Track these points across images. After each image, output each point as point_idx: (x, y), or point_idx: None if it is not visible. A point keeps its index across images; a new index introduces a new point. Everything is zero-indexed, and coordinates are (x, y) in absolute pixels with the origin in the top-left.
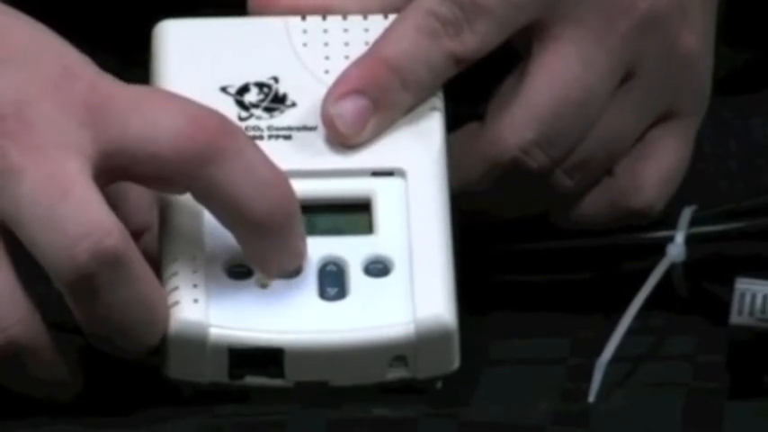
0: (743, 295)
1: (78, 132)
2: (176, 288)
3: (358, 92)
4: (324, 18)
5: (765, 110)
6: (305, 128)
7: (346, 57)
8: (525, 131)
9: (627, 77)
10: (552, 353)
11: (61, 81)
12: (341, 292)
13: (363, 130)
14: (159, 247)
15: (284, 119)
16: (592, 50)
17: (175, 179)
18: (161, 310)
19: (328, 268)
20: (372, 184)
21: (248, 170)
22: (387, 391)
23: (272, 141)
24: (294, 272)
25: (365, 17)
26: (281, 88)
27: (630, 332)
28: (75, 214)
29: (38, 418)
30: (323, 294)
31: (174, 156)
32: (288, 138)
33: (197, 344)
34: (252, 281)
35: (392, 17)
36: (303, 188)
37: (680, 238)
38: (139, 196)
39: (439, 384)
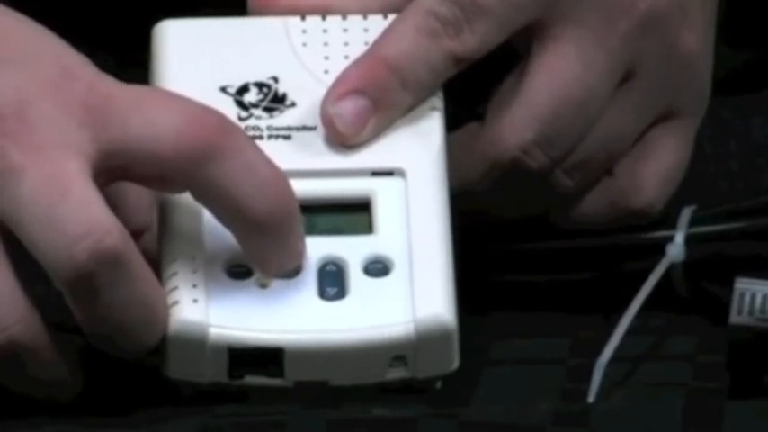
0: (743, 295)
1: (78, 132)
2: (176, 288)
3: (358, 92)
4: (323, 18)
5: (765, 110)
6: (304, 128)
7: (346, 57)
8: (525, 131)
9: (627, 77)
10: (552, 353)
11: (61, 81)
12: (341, 292)
13: (363, 130)
14: (159, 246)
15: (284, 119)
16: (592, 50)
17: (175, 178)
18: (161, 310)
19: (328, 268)
20: (372, 183)
21: (248, 169)
22: (386, 390)
23: (272, 141)
24: (294, 272)
25: (365, 17)
26: (281, 88)
27: (630, 332)
28: (74, 214)
29: (38, 418)
30: (323, 294)
31: (174, 155)
32: (287, 138)
33: (197, 344)
34: (252, 281)
35: (392, 17)
36: (303, 188)
37: (680, 237)
38: (139, 196)
39: (439, 384)
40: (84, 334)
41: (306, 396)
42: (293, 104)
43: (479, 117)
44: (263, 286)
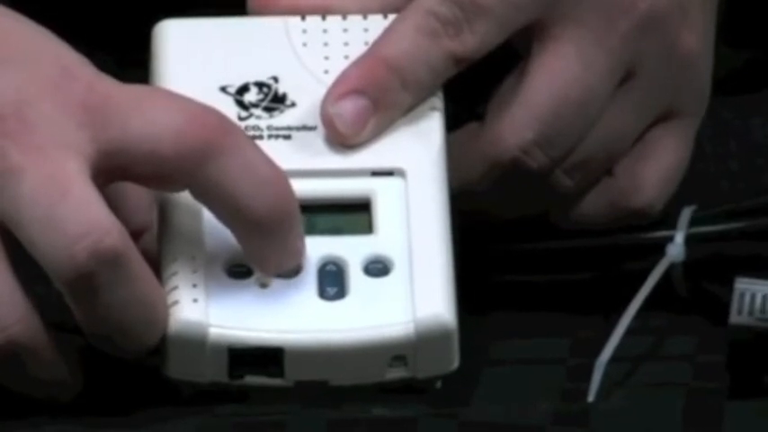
0: (742, 295)
1: (77, 132)
2: (176, 288)
3: (358, 92)
4: (323, 18)
5: (765, 110)
6: (305, 128)
7: (346, 57)
8: (525, 131)
9: (627, 77)
10: (552, 353)
11: (60, 81)
12: (340, 292)
13: (363, 129)
14: (159, 246)
15: (284, 119)
16: (592, 50)
17: (174, 177)
18: (160, 310)
19: (328, 268)
20: (372, 183)
21: (247, 168)
22: (386, 390)
23: (272, 141)
24: (294, 271)
25: (365, 17)
26: (281, 88)
27: (630, 332)
28: (74, 214)
29: (38, 418)
30: (323, 294)
31: (174, 154)
32: (287, 137)
33: (197, 344)
34: (251, 280)
35: (392, 17)
36: (303, 188)
37: (680, 237)
38: (139, 196)
39: (438, 384)
40: (84, 334)
41: (306, 396)
42: (293, 104)
43: (479, 117)
44: (263, 286)
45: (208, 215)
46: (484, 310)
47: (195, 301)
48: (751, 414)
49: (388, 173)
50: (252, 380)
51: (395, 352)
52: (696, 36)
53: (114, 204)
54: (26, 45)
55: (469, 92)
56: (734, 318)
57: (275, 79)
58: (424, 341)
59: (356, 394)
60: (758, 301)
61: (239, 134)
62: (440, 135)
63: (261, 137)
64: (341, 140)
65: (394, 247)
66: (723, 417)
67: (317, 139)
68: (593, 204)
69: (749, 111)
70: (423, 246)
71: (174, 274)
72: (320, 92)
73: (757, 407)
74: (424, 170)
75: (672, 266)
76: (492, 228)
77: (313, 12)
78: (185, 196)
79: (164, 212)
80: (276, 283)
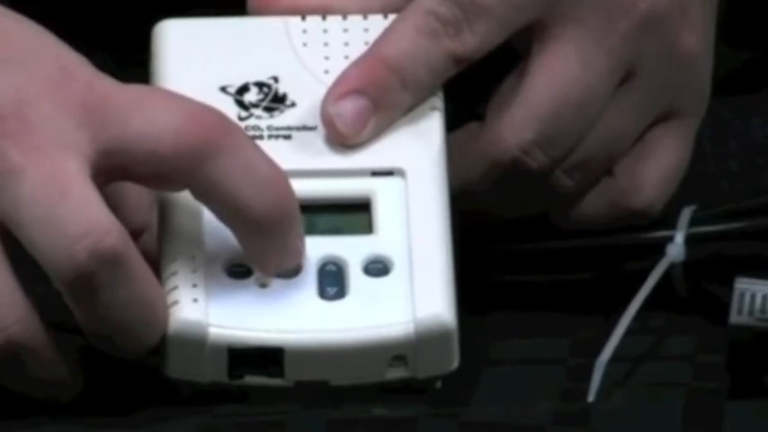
0: (742, 295)
1: (77, 132)
2: (176, 287)
3: (358, 92)
4: (324, 18)
5: (765, 110)
6: (305, 128)
7: (346, 57)
8: (525, 131)
9: (627, 77)
10: (552, 353)
11: (60, 81)
12: (340, 292)
13: (363, 129)
14: (158, 246)
15: (284, 119)
16: (592, 50)
17: (174, 177)
18: (160, 310)
19: (328, 268)
20: (372, 183)
21: (247, 168)
22: (386, 390)
23: (272, 141)
24: (294, 271)
25: (365, 17)
26: (281, 88)
27: (630, 332)
28: (74, 214)
29: (38, 418)
30: (322, 294)
31: (173, 153)
32: (287, 137)
33: (196, 343)
34: (251, 280)
35: (392, 17)
36: (303, 188)
37: (679, 237)
38: (138, 196)
39: (438, 384)
40: (84, 334)
41: (306, 396)
42: (293, 104)
43: (479, 117)
44: (263, 286)
45: (208, 215)
46: (484, 310)
47: (195, 300)
48: (751, 414)
49: (388, 173)
50: (252, 380)
51: (395, 352)
52: (696, 36)
53: (114, 204)
54: (26, 45)
55: (469, 92)
56: (734, 318)
57: (275, 79)
58: (424, 341)
59: (356, 394)
60: (758, 301)
61: (239, 134)
62: (440, 135)
63: (261, 137)
64: (341, 140)
65: (394, 247)
66: (723, 417)
67: (317, 139)
68: (593, 204)
69: (749, 111)
70: (423, 246)
71: (174, 273)
72: (320, 92)
73: (757, 407)
74: (424, 170)
75: (672, 266)
76: (492, 228)
77: (313, 12)
78: (185, 196)
79: (164, 212)
80: (276, 283)
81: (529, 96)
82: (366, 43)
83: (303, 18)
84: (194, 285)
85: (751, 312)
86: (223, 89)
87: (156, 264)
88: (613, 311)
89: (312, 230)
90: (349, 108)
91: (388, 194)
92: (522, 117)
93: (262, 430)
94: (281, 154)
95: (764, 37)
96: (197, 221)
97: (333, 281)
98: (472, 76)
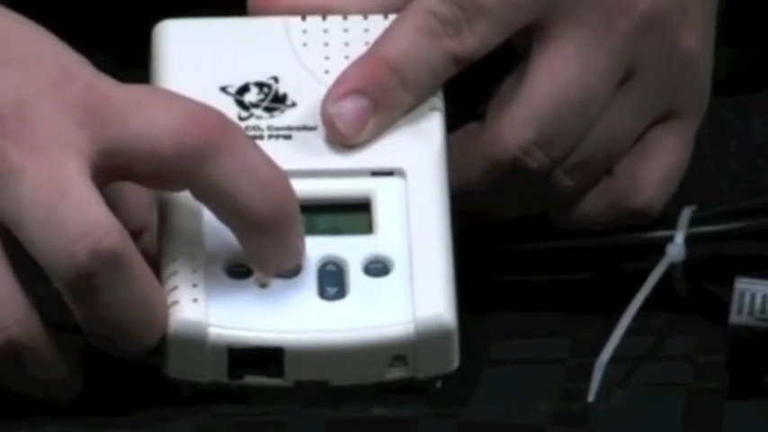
0: (742, 295)
1: (77, 132)
2: (176, 287)
3: (358, 92)
4: (324, 18)
5: (765, 110)
6: (305, 128)
7: (346, 57)
8: (525, 131)
9: (627, 77)
10: (552, 353)
11: (60, 81)
12: (340, 292)
13: (363, 129)
14: (159, 246)
15: (284, 119)
16: (592, 50)
17: (174, 177)
18: (160, 310)
19: (328, 268)
20: (372, 183)
21: (247, 167)
22: (386, 390)
23: (272, 141)
24: (294, 271)
25: (365, 17)
26: (281, 88)
27: (630, 332)
28: (74, 214)
29: (38, 418)
30: (322, 294)
31: (173, 153)
32: (288, 137)
33: (196, 343)
34: (251, 280)
35: (392, 17)
36: (303, 188)
37: (679, 237)
38: (138, 196)
39: (438, 384)
40: (84, 334)
41: (306, 396)
42: (294, 104)
43: (479, 117)
44: (263, 286)
45: (208, 215)
46: (484, 310)
47: (195, 300)
48: (751, 414)
49: (388, 173)
50: (252, 380)
51: (395, 352)
52: (696, 36)
53: (114, 204)
54: (26, 45)
55: (469, 92)
56: (734, 318)
57: (275, 79)
58: (424, 341)
59: (356, 394)
60: (758, 301)
61: (239, 134)
62: (440, 135)
63: (261, 137)
64: (341, 140)
65: (394, 247)
66: (723, 417)
67: (317, 139)
68: (593, 204)
69: (749, 111)
70: (423, 246)
71: (174, 273)
72: (320, 92)
73: (757, 407)
74: (424, 170)
75: (672, 266)
76: (492, 228)
77: (313, 12)
78: (185, 196)
79: (164, 212)
80: (276, 283)
81: (529, 96)
82: (366, 43)
83: (303, 18)
84: (194, 285)
85: (751, 312)
86: (223, 89)
87: (156, 264)
88: (613, 311)
89: (312, 230)
90: (349, 108)
91: (388, 194)
92: (522, 117)
93: (261, 430)
94: (282, 154)
95: (764, 37)
96: (197, 221)
97: (333, 281)
98: (472, 76)
